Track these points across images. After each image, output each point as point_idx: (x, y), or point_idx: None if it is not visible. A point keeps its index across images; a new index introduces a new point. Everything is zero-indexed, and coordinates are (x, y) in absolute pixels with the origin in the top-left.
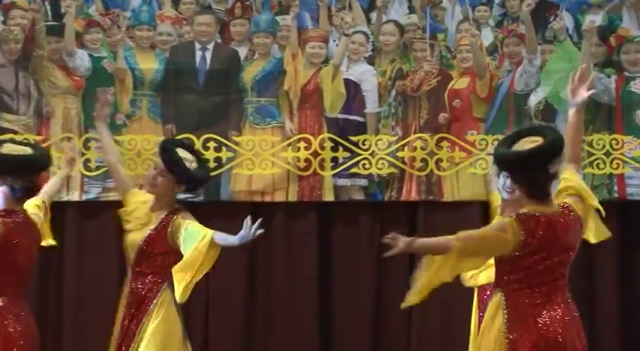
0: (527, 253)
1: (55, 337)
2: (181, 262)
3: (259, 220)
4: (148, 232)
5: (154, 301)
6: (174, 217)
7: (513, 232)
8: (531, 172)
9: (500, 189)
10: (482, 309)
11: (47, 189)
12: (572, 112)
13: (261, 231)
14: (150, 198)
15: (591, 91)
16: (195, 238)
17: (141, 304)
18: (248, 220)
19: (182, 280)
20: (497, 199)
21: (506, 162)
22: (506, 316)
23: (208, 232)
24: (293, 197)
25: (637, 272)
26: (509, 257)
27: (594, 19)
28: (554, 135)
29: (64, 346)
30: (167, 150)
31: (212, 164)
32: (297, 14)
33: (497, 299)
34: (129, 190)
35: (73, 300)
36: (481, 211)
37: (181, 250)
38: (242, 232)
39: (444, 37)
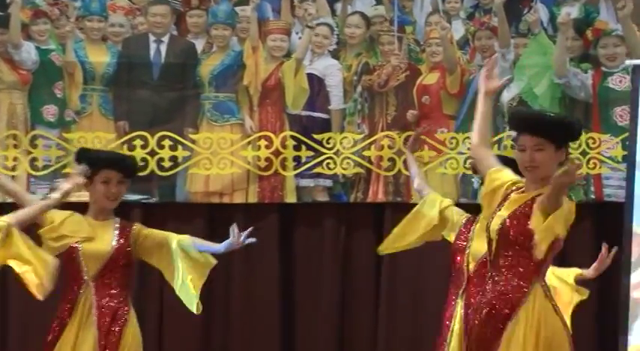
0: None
1: None
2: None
3: (250, 229)
4: (114, 243)
5: (127, 315)
6: (133, 227)
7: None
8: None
9: None
10: (473, 301)
11: (20, 214)
12: (482, 98)
13: (252, 240)
14: (68, 213)
15: (505, 79)
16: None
17: (114, 317)
18: (234, 227)
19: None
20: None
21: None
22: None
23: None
24: (253, 198)
25: (613, 275)
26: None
27: (570, 12)
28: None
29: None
30: (128, 158)
31: (167, 163)
32: (258, 5)
33: (540, 291)
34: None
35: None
36: None
37: (152, 260)
38: (229, 240)
39: (413, 30)
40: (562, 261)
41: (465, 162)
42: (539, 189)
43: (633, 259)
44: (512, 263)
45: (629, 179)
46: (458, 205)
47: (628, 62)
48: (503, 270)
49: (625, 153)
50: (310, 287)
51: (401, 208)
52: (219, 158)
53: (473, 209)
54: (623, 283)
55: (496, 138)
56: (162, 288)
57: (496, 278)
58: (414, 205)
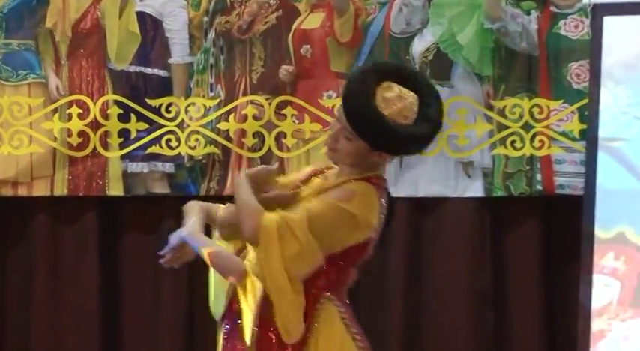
0: None
1: None
2: None
3: None
4: None
5: None
6: None
7: None
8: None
9: None
10: None
11: None
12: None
13: None
14: None
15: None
16: None
17: None
18: None
19: None
20: None
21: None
22: None
23: None
24: (62, 190)
25: (565, 284)
26: None
27: None
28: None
29: None
30: None
31: None
32: None
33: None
34: None
35: None
36: None
37: None
38: None
39: None
40: (502, 274)
41: None
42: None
43: (596, 274)
44: None
45: (590, 164)
46: None
47: (586, 0)
48: None
49: (583, 127)
50: (146, 316)
51: None
52: (12, 132)
53: None
54: (583, 308)
55: None
56: None
57: None
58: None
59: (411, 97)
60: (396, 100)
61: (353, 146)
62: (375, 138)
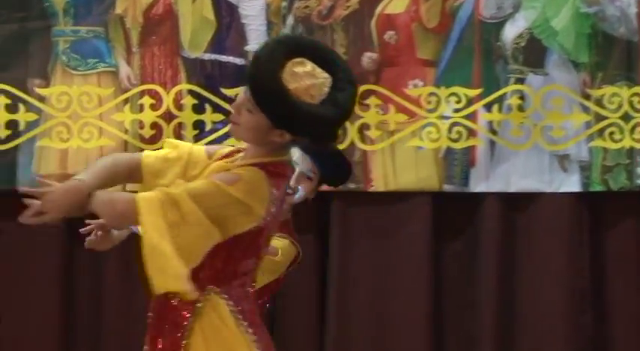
0: None
1: None
2: None
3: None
4: None
5: None
6: None
7: None
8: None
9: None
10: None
11: None
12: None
13: None
14: None
15: None
16: None
17: None
18: None
19: None
20: None
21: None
22: None
23: None
24: (133, 185)
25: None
26: None
27: None
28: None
29: None
30: None
31: (3, 132)
32: None
33: None
34: None
35: None
36: (432, 208)
37: None
38: None
39: None
40: (601, 273)
41: (450, 130)
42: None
43: None
44: None
45: None
46: (443, 195)
47: None
48: None
49: None
50: None
51: (356, 199)
52: (81, 124)
53: (464, 200)
54: None
55: (495, 95)
56: None
57: None
58: (374, 194)
59: (323, 78)
60: (304, 77)
61: (254, 120)
62: (274, 111)
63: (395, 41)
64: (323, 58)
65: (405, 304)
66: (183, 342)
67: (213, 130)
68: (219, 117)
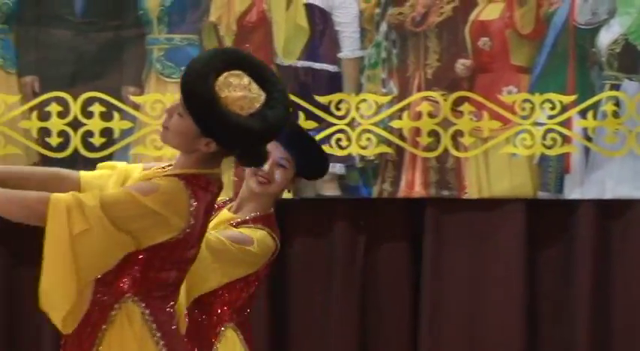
0: None
1: None
2: None
3: None
4: None
5: None
6: None
7: None
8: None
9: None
10: None
11: None
12: None
13: None
14: None
15: None
16: None
17: None
18: None
19: None
20: None
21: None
22: None
23: None
24: (228, 193)
25: None
26: None
27: None
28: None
29: None
30: None
31: (98, 140)
32: None
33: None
34: None
35: None
36: (526, 215)
37: None
38: None
39: None
40: None
41: (544, 136)
42: None
43: None
44: None
45: None
46: (537, 202)
47: None
48: None
49: None
50: (315, 325)
51: (449, 206)
52: None
53: (558, 207)
54: None
55: (590, 101)
56: None
57: None
58: (468, 201)
59: (257, 93)
60: (238, 88)
61: (183, 125)
62: (201, 116)
63: (489, 48)
64: (262, 75)
65: (498, 311)
66: (94, 349)
67: None
68: (313, 124)
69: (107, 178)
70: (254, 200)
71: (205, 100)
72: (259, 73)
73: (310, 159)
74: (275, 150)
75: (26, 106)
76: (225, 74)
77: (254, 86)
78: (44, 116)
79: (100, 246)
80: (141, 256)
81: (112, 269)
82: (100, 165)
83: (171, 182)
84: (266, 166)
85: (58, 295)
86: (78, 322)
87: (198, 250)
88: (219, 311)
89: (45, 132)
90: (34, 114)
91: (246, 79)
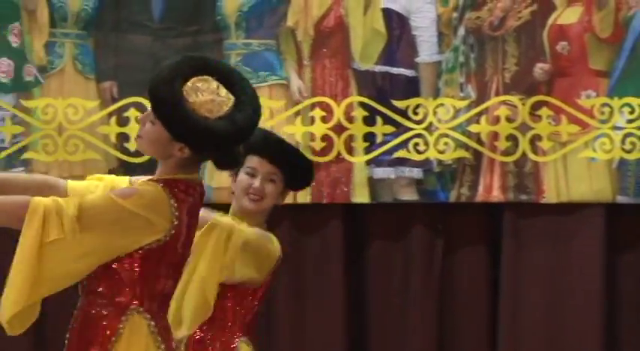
0: None
1: None
2: None
3: None
4: None
5: None
6: None
7: None
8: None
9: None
10: None
11: None
12: None
13: None
14: None
15: None
16: None
17: None
18: None
19: None
20: None
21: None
22: None
23: None
24: (305, 197)
25: None
26: None
27: None
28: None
29: None
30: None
31: None
32: None
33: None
34: None
35: None
36: (605, 219)
37: None
38: None
39: None
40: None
41: (623, 140)
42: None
43: None
44: None
45: None
46: (616, 206)
47: None
48: None
49: None
50: (393, 328)
51: (527, 210)
52: None
53: (636, 212)
54: None
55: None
56: None
57: None
58: (546, 206)
59: (225, 97)
60: (206, 92)
61: (155, 131)
62: (169, 120)
63: (567, 52)
64: (230, 80)
65: (578, 316)
66: None
67: (383, 143)
68: (390, 129)
69: (94, 188)
70: (248, 218)
71: (172, 104)
72: (227, 77)
73: (297, 169)
74: (261, 166)
75: (105, 112)
76: (193, 79)
77: (222, 90)
78: (123, 121)
79: (71, 255)
80: (135, 264)
81: (111, 283)
82: (88, 177)
83: (150, 186)
84: (256, 183)
85: (10, 297)
86: (26, 327)
87: (189, 255)
88: (229, 324)
89: (123, 137)
90: (113, 119)
91: (214, 84)
